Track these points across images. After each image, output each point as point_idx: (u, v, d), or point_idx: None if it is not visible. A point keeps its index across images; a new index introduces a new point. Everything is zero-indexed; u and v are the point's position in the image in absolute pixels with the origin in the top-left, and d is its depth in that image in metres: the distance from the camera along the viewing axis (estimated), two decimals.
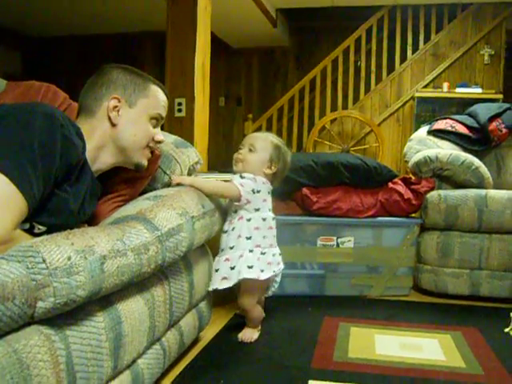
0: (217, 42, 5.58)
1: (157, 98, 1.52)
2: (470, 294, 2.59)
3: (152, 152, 1.60)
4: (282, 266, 1.98)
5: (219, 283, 1.83)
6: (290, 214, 2.58)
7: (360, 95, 6.17)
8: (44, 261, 0.92)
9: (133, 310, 1.24)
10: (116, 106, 1.44)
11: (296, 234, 2.57)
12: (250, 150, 1.93)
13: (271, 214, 1.96)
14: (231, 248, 1.87)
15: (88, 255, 1.02)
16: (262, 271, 1.85)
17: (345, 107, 6.19)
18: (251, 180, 1.88)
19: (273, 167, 1.94)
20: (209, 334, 2.00)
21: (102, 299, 1.13)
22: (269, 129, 6.11)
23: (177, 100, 3.22)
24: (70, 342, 1.00)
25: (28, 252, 0.93)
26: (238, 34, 6.57)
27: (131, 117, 1.46)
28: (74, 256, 0.98)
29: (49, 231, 1.13)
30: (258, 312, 1.98)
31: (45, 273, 0.92)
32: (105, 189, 1.55)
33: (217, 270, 1.86)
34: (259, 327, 2.02)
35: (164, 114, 1.56)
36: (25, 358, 0.87)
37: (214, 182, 1.90)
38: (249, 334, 1.96)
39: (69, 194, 1.25)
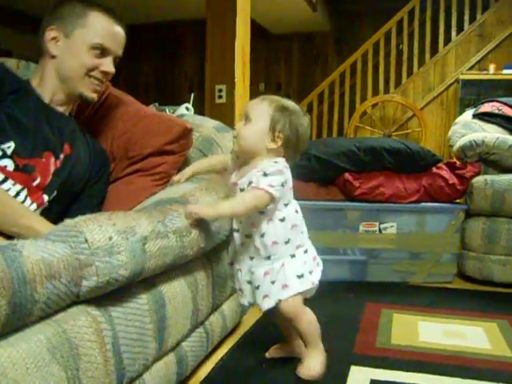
0: (256, 28, 5.53)
1: (96, 26, 1.45)
2: None
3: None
4: None
5: (261, 302, 1.45)
6: (331, 200, 2.56)
7: (402, 79, 6.04)
8: (86, 241, 0.95)
9: (176, 292, 1.25)
10: (54, 38, 1.44)
11: (338, 220, 2.55)
12: (246, 122, 1.44)
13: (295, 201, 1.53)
14: (268, 258, 1.44)
15: (129, 236, 1.04)
16: (311, 272, 1.48)
17: (386, 91, 6.07)
18: (278, 174, 1.39)
19: (278, 138, 1.41)
20: (251, 318, 2.01)
21: (146, 281, 1.15)
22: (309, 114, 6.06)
23: (217, 87, 3.23)
24: (116, 323, 1.02)
25: (71, 232, 0.95)
26: (278, 19, 6.49)
27: (68, 47, 1.45)
28: (116, 236, 1.00)
29: (16, 150, 1.28)
30: (310, 315, 1.49)
31: (87, 252, 0.94)
32: (137, 164, 1.60)
33: (257, 287, 1.46)
34: (321, 346, 1.53)
35: (109, 44, 1.47)
36: (73, 338, 0.90)
37: (240, 199, 1.41)
38: (312, 364, 1.49)
39: (13, 110, 1.33)
